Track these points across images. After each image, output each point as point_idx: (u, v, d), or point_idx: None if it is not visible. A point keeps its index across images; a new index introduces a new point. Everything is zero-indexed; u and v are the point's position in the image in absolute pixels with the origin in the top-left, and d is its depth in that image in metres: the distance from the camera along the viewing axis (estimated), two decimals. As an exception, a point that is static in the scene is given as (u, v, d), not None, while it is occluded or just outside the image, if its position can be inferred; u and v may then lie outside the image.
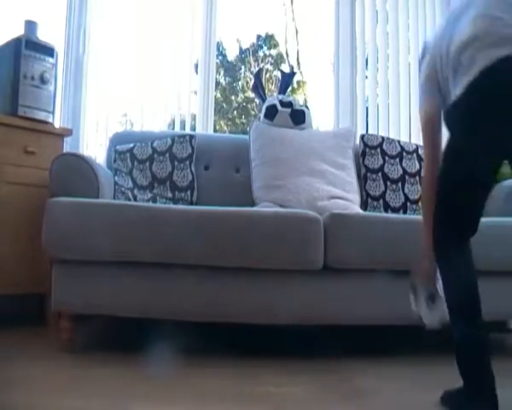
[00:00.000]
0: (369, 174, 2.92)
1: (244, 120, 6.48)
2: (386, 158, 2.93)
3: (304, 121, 2.91)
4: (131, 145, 2.78)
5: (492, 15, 1.43)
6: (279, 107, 2.89)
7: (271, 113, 2.89)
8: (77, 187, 2.24)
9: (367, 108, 3.73)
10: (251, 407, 1.60)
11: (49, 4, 3.14)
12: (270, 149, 2.78)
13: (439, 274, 1.57)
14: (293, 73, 3.13)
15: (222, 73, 7.20)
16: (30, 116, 2.59)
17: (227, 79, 7.46)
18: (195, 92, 3.61)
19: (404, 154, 2.95)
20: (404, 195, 2.88)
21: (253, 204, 2.67)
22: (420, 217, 1.76)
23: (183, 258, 2.08)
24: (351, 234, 2.13)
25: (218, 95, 6.89)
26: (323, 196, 2.65)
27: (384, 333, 2.39)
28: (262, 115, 2.95)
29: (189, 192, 2.73)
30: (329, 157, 2.81)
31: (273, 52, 7.16)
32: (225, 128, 6.55)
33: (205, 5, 3.50)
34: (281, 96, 2.98)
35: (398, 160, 2.93)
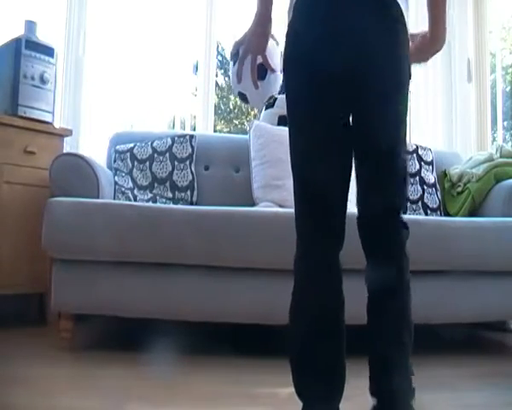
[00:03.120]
0: (368, 174, 2.91)
1: (243, 121, 6.48)
2: (386, 158, 2.92)
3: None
4: (131, 145, 2.78)
5: None
6: None
7: None
8: (77, 187, 2.24)
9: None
10: (251, 407, 1.60)
11: (49, 4, 3.13)
12: (271, 149, 2.78)
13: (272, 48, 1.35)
14: (293, 73, 3.12)
15: (221, 73, 7.22)
16: (30, 116, 2.59)
17: (226, 79, 7.48)
18: (195, 94, 3.61)
19: (404, 154, 2.95)
20: (404, 195, 2.88)
21: (253, 204, 2.67)
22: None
23: (183, 258, 2.08)
24: (348, 234, 2.12)
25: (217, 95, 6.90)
26: (323, 197, 2.65)
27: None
28: (276, 122, 2.91)
29: (188, 192, 2.73)
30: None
31: (273, 52, 7.18)
32: (225, 128, 6.55)
33: (204, 5, 3.50)
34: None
35: (397, 160, 2.92)
